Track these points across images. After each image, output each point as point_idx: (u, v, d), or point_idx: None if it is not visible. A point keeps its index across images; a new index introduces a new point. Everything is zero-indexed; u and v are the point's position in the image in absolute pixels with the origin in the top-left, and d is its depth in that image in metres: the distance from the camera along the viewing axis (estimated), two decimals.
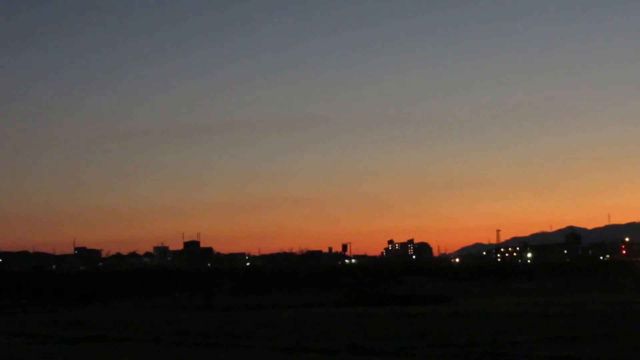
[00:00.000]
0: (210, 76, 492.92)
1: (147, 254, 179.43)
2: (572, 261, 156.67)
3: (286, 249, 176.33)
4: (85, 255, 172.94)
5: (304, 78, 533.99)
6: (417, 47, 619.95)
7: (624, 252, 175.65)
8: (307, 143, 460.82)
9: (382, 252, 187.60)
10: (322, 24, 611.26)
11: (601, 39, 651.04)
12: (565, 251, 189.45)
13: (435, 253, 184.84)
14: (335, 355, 24.26)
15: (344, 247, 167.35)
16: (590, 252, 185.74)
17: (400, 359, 22.91)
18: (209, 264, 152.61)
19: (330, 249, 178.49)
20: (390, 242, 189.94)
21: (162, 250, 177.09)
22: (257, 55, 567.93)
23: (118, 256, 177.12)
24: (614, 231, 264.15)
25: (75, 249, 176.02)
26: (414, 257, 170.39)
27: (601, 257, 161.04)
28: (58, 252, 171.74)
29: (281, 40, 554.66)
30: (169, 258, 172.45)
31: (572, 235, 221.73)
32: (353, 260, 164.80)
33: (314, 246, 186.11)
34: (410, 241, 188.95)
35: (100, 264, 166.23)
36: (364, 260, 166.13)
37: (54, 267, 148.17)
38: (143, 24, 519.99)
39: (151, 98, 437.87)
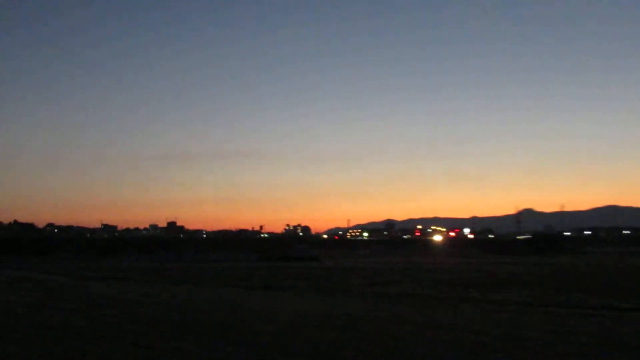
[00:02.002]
0: None
1: (145, 229, 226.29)
2: (389, 239, 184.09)
3: (227, 228, 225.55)
4: (107, 228, 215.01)
5: None
6: None
7: (417, 233, 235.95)
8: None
9: (283, 231, 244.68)
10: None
11: None
12: (385, 232, 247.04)
13: (313, 232, 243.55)
14: (253, 289, 29.21)
15: (260, 227, 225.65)
16: (399, 233, 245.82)
17: (290, 291, 27.91)
18: (181, 235, 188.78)
19: (252, 228, 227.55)
20: (288, 225, 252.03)
21: (154, 227, 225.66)
22: None
23: (128, 230, 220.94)
24: (415, 222, 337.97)
25: (102, 224, 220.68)
26: (300, 234, 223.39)
27: (404, 237, 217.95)
28: (91, 226, 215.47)
29: None
30: (158, 231, 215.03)
31: (389, 223, 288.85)
32: (266, 235, 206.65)
33: (243, 226, 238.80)
34: (299, 225, 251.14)
35: (116, 234, 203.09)
36: (272, 235, 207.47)
37: (88, 235, 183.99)
38: None
39: None
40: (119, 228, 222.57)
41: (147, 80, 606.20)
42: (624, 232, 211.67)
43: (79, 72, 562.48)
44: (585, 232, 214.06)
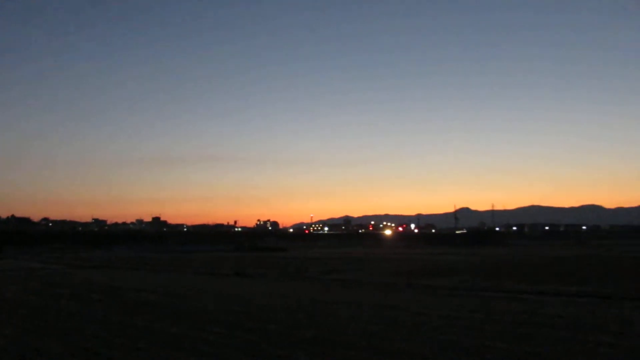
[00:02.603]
0: None
1: (132, 223, 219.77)
2: (347, 232, 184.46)
3: (205, 222, 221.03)
4: (97, 222, 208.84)
5: None
6: None
7: (371, 228, 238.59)
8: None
9: (255, 225, 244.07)
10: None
11: None
12: (343, 227, 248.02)
13: (281, 226, 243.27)
14: (228, 276, 29.35)
15: (235, 222, 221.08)
16: (355, 228, 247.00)
17: (261, 279, 27.83)
18: (164, 229, 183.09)
19: (228, 222, 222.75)
20: (259, 220, 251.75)
21: (140, 221, 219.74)
22: None
23: (116, 224, 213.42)
24: (369, 218, 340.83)
25: (92, 219, 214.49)
26: (270, 228, 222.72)
27: (360, 231, 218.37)
28: (83, 221, 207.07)
29: None
30: (143, 225, 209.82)
31: (347, 219, 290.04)
32: (239, 229, 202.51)
33: (220, 221, 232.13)
34: (269, 220, 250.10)
35: (106, 227, 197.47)
36: (245, 229, 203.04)
37: (79, 228, 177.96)
38: None
39: None
40: (109, 222, 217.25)
41: (137, 90, 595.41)
42: (546, 227, 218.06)
43: (73, 81, 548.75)
44: (513, 228, 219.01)
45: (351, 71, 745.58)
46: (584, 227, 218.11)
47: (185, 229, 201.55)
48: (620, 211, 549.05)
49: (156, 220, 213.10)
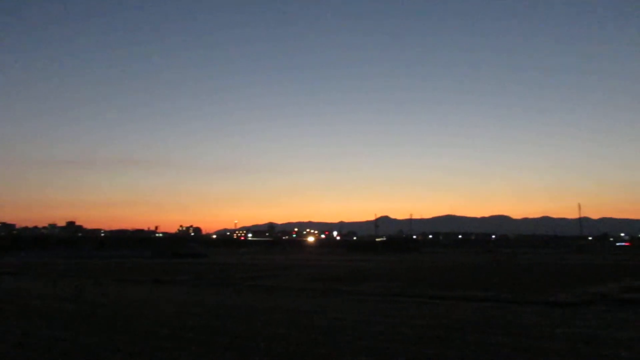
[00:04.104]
0: None
1: (45, 227, 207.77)
2: (272, 239, 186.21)
3: (125, 227, 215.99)
4: (5, 227, 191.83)
5: None
6: None
7: (294, 234, 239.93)
8: None
9: (177, 231, 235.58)
10: None
11: None
12: (267, 234, 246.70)
13: (204, 232, 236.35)
14: (144, 284, 28.59)
15: (156, 227, 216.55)
16: (279, 234, 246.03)
17: (181, 285, 27.32)
18: (79, 234, 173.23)
19: (149, 228, 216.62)
20: (181, 226, 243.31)
21: (53, 226, 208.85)
22: None
23: (26, 228, 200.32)
24: (292, 225, 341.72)
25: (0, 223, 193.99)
26: (192, 234, 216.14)
27: (284, 237, 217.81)
28: None
29: None
30: (57, 230, 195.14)
31: (271, 226, 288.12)
32: (160, 235, 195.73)
33: (140, 227, 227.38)
34: (191, 226, 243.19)
35: (14, 232, 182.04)
36: (166, 235, 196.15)
37: None
38: None
39: None
40: (18, 226, 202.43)
41: (54, 86, 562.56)
42: (459, 236, 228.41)
43: None
44: (429, 236, 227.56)
45: (277, 79, 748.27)
46: (493, 236, 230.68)
47: (102, 234, 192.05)
48: (525, 221, 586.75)
49: (71, 224, 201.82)
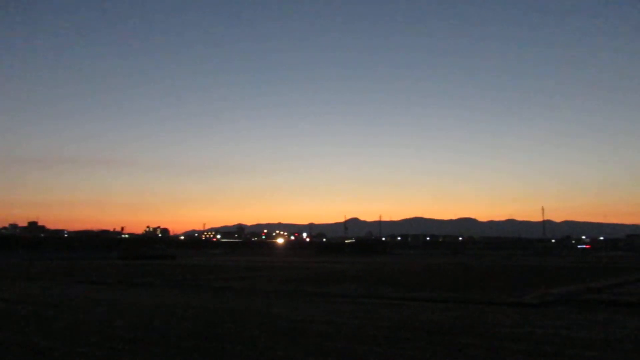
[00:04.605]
0: None
1: (4, 228, 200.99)
2: (240, 240, 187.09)
3: (90, 228, 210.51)
4: None
5: None
6: None
7: (263, 234, 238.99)
8: None
9: (143, 232, 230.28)
10: None
11: None
12: (236, 235, 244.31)
13: (172, 234, 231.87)
14: (110, 285, 28.26)
15: (122, 228, 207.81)
16: (248, 236, 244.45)
17: (144, 287, 26.91)
18: (42, 235, 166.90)
19: (114, 228, 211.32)
20: (148, 227, 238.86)
21: (14, 226, 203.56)
22: None
23: None
24: (262, 227, 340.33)
25: None
26: (160, 235, 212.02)
27: (253, 239, 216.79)
28: None
29: None
30: (17, 230, 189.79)
31: (240, 227, 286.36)
32: (126, 236, 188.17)
33: (106, 227, 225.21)
34: (159, 227, 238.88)
35: None
36: (133, 236, 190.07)
37: None
38: None
39: None
40: None
41: (16, 84, 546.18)
42: (427, 238, 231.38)
43: None
44: (397, 238, 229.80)
45: (246, 81, 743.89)
46: (460, 238, 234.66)
47: (66, 235, 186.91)
48: (491, 224, 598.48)
49: (32, 225, 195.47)
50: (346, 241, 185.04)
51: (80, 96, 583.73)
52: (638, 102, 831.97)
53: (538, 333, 12.25)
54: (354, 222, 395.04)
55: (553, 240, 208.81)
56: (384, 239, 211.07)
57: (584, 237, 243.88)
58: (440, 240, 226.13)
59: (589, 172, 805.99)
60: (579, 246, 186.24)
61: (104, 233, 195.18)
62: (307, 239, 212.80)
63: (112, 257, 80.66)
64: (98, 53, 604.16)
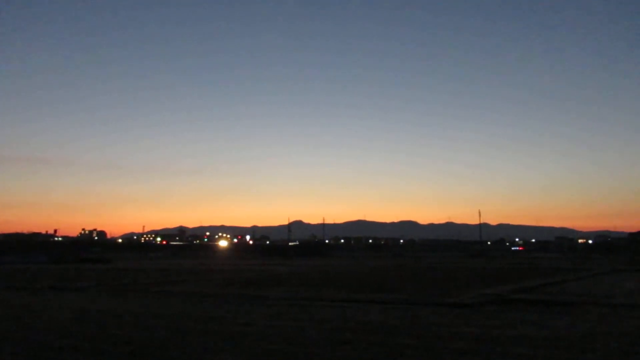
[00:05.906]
0: None
1: None
2: (181, 243, 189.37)
3: (19, 231, 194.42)
4: None
5: None
6: None
7: (205, 237, 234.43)
8: None
9: (78, 235, 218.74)
10: None
11: None
12: (177, 238, 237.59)
13: (109, 236, 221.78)
14: (41, 290, 27.46)
15: (55, 231, 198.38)
16: (190, 238, 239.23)
17: (77, 292, 26.19)
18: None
19: (47, 231, 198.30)
20: (83, 229, 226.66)
21: None
22: None
23: None
24: (204, 229, 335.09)
25: None
26: (96, 238, 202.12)
27: (195, 242, 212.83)
28: None
29: None
30: None
31: (181, 229, 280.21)
32: (60, 238, 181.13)
33: (39, 229, 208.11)
34: (95, 229, 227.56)
35: None
36: (67, 239, 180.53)
37: None
38: None
39: None
40: None
41: None
42: (369, 240, 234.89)
43: None
44: (341, 240, 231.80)
45: (189, 82, 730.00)
46: (401, 241, 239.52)
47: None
48: (431, 227, 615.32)
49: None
50: (290, 244, 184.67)
51: (14, 93, 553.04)
52: (575, 106, 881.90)
53: (473, 332, 12.62)
54: (297, 224, 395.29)
55: (489, 243, 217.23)
56: (327, 241, 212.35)
57: (517, 239, 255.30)
58: (383, 242, 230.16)
59: (523, 177, 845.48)
60: (512, 248, 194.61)
61: (34, 236, 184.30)
62: (251, 242, 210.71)
63: (42, 262, 77.25)
64: (28, 49, 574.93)
